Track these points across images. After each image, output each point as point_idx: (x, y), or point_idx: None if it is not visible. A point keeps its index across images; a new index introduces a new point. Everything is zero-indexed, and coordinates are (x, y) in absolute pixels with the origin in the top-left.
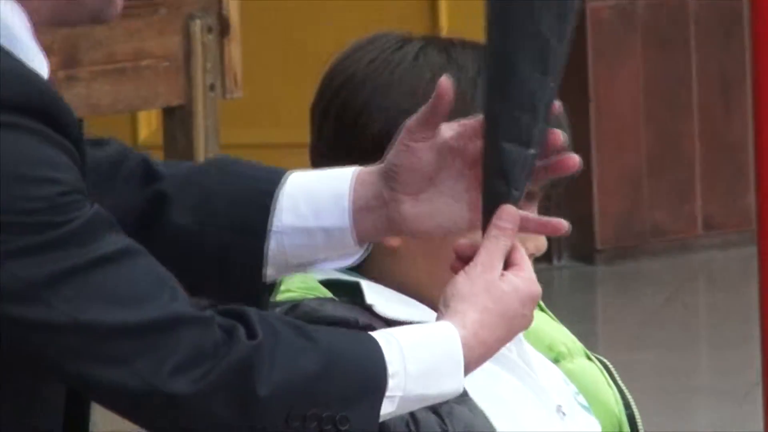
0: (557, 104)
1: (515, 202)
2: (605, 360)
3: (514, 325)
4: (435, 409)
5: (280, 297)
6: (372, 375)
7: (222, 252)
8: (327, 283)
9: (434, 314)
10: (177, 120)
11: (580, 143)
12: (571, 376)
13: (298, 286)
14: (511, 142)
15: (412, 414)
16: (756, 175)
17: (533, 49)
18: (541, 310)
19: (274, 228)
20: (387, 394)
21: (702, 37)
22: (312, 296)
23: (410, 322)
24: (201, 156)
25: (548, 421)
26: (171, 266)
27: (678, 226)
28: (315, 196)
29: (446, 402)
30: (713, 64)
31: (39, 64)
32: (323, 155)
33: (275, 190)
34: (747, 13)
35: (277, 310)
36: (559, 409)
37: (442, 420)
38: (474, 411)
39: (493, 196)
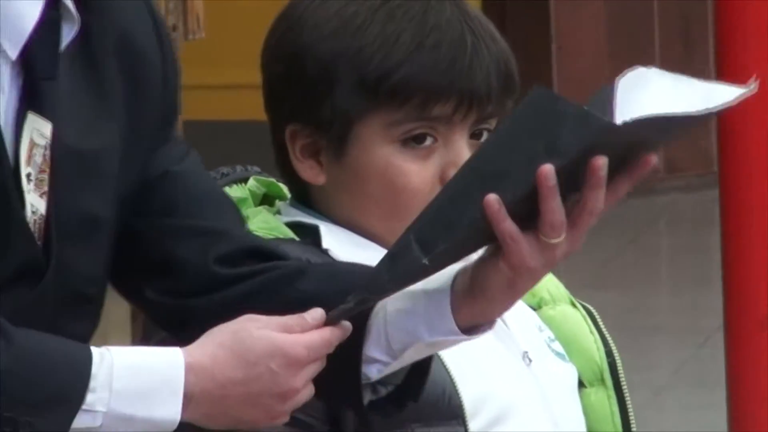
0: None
1: (379, 293)
2: (590, 307)
3: (254, 372)
4: None
5: None
6: (67, 385)
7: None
8: (291, 225)
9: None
10: None
11: (542, 85)
12: (551, 322)
13: (259, 226)
14: (417, 243)
15: None
16: (718, 117)
17: (480, 190)
18: None
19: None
20: (85, 407)
21: None
22: (272, 236)
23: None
24: None
25: (511, 367)
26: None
27: None
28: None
29: None
30: (674, 4)
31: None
32: (274, 95)
33: None
34: None
35: None
36: (525, 355)
37: None
38: None
39: (372, 273)
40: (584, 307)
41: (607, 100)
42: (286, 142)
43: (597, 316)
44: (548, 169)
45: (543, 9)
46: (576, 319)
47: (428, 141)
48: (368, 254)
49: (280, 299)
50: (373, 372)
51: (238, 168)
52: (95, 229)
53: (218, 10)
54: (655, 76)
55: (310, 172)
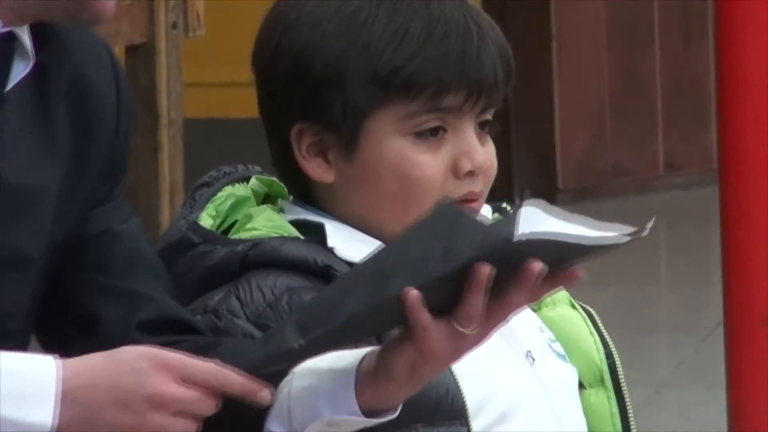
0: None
1: (254, 370)
2: (589, 308)
3: (122, 369)
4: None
5: (245, 234)
6: None
7: None
8: (296, 223)
9: None
10: (139, 58)
11: (541, 81)
12: (551, 324)
13: (263, 225)
14: (296, 326)
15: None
16: (718, 113)
17: (367, 285)
18: None
19: (296, 369)
20: None
21: None
22: (276, 234)
23: None
24: (163, 95)
25: (515, 366)
26: None
27: (640, 166)
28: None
29: None
30: (674, 3)
31: None
32: (277, 96)
33: None
34: None
35: (240, 247)
36: (528, 354)
37: None
38: None
39: (250, 350)
40: (584, 309)
41: (510, 221)
42: (292, 141)
43: (597, 318)
44: (487, 270)
45: (543, 6)
46: (576, 320)
47: (440, 132)
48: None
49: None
50: None
51: (240, 167)
52: (22, 266)
53: (218, 8)
54: (549, 213)
55: (317, 170)
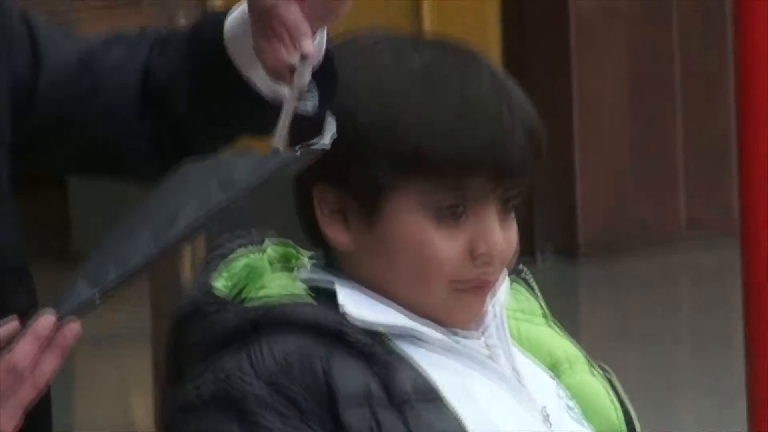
0: None
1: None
2: (608, 369)
3: None
4: (400, 411)
5: (255, 294)
6: None
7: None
8: (308, 285)
9: (402, 316)
10: None
11: (563, 138)
12: (570, 390)
13: (278, 292)
14: (85, 277)
15: (375, 417)
16: (739, 174)
17: (161, 223)
18: (548, 325)
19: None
20: None
21: (685, 32)
22: (287, 294)
23: (379, 326)
24: None
25: (531, 426)
26: None
27: (662, 224)
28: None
29: (411, 404)
30: (696, 58)
31: None
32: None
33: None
34: (730, 8)
35: (251, 315)
36: (543, 410)
37: (407, 422)
38: (443, 412)
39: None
40: (603, 373)
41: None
42: (314, 199)
43: (616, 383)
44: None
45: (564, 59)
46: (595, 386)
47: (461, 213)
48: (387, 318)
49: None
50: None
51: (254, 231)
52: None
53: None
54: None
55: (337, 236)
